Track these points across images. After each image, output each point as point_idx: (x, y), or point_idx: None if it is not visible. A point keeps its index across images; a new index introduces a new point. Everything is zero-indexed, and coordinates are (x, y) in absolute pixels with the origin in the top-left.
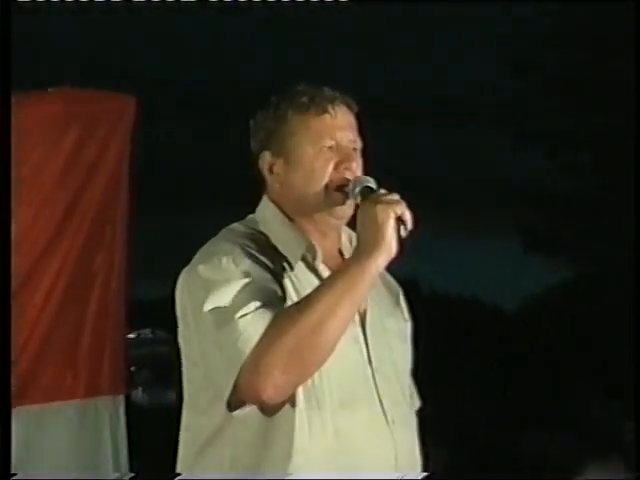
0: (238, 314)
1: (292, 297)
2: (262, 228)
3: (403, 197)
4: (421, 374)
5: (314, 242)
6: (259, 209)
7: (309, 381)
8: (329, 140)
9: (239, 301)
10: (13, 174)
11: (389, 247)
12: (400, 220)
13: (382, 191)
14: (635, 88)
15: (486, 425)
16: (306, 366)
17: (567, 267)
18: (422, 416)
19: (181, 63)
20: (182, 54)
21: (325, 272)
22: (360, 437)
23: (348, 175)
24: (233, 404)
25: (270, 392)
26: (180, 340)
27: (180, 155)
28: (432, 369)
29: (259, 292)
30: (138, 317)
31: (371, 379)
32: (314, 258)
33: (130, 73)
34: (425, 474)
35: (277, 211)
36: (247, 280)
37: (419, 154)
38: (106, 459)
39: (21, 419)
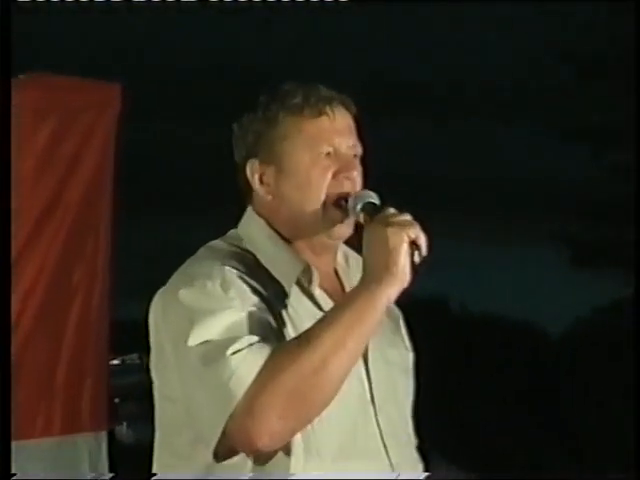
0: (230, 350)
1: (288, 328)
2: (248, 246)
3: (426, 202)
4: (455, 403)
5: (310, 263)
6: (243, 224)
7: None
8: (326, 146)
9: (230, 334)
10: None
11: (402, 276)
12: (414, 244)
13: (391, 210)
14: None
15: (527, 457)
16: (308, 410)
17: (621, 283)
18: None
19: (182, 62)
20: (183, 53)
21: (322, 298)
22: None
23: (348, 186)
24: (220, 452)
25: (265, 440)
26: (153, 372)
27: (174, 155)
28: (465, 398)
29: (252, 323)
30: (123, 340)
31: (374, 420)
32: (310, 282)
33: (129, 71)
34: (426, 474)
35: (266, 227)
36: (237, 309)
37: (446, 153)
38: None
39: None
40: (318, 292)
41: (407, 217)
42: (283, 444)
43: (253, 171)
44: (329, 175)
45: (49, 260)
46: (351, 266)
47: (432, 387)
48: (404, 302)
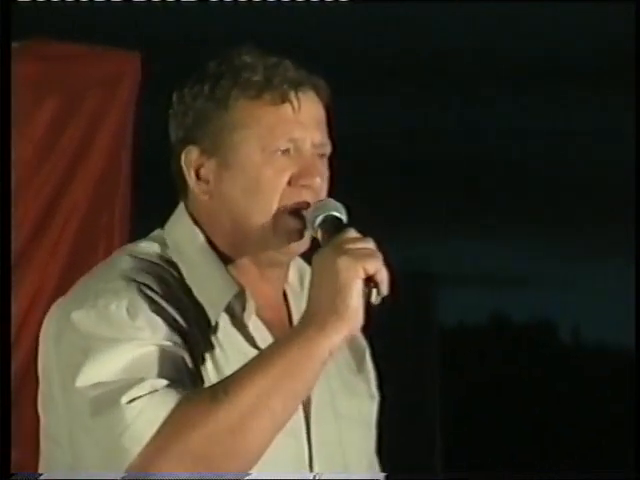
0: (125, 397)
1: (208, 370)
2: (173, 256)
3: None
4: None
5: (246, 286)
6: (171, 225)
7: None
8: (284, 141)
9: (129, 375)
10: None
11: (352, 320)
12: (371, 282)
13: (351, 232)
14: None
15: None
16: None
17: None
18: None
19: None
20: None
21: (258, 330)
22: None
23: (307, 196)
24: None
25: None
26: (39, 404)
27: None
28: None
29: (162, 362)
30: None
31: None
32: (243, 310)
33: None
34: (384, 474)
35: (198, 234)
36: (144, 342)
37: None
38: None
39: None
40: (253, 323)
41: (369, 244)
42: None
43: (189, 162)
44: (284, 179)
45: (50, 274)
46: (306, 288)
47: (540, 424)
48: (503, 328)
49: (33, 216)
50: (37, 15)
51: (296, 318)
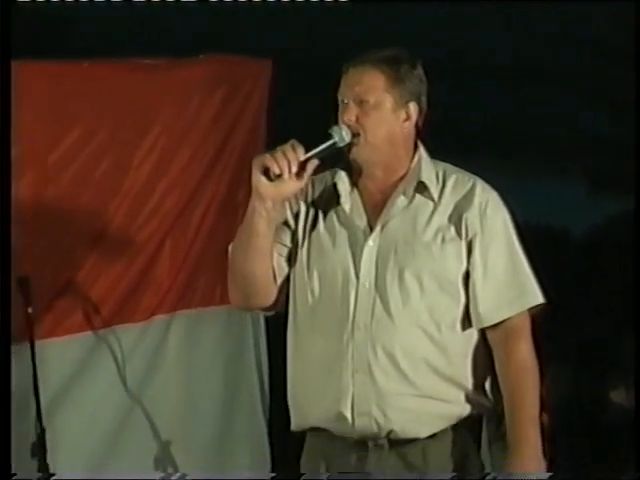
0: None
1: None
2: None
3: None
4: None
5: (360, 183)
6: None
7: (309, 295)
8: (341, 95)
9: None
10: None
11: (259, 193)
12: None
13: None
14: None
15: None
16: (238, 285)
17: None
18: None
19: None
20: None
21: (354, 207)
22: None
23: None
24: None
25: (235, 301)
26: None
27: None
28: None
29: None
30: None
31: (352, 295)
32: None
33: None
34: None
35: None
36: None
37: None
38: (249, 363)
39: (180, 321)
40: (353, 204)
41: (282, 147)
42: (253, 306)
43: None
44: (342, 117)
45: (222, 183)
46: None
47: None
48: None
49: (208, 156)
50: None
51: (391, 201)
